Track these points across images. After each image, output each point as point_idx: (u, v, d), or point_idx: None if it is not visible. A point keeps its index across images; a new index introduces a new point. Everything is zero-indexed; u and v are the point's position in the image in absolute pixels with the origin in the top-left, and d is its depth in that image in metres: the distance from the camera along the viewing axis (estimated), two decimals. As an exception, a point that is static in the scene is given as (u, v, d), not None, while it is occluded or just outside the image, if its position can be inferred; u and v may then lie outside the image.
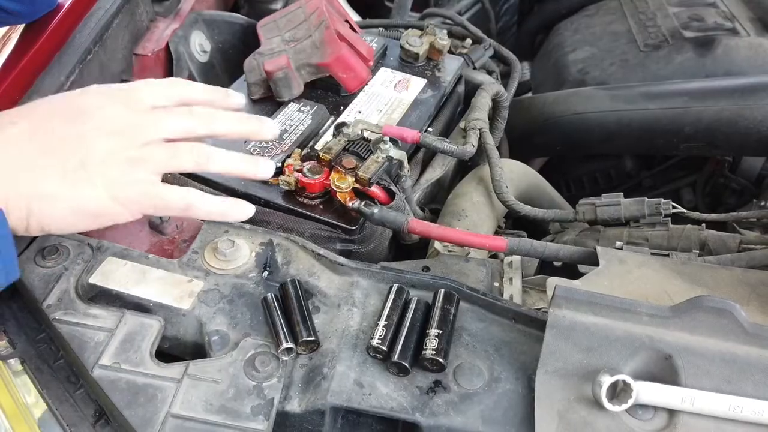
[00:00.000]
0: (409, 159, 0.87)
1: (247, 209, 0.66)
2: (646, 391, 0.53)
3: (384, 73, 1.02)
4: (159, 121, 0.61)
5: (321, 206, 0.79)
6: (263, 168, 0.66)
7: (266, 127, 0.68)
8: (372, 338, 0.61)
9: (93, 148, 0.57)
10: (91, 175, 0.57)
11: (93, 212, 0.58)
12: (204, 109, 0.65)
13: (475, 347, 0.63)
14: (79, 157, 0.57)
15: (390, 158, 0.80)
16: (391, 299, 0.64)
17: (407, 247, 0.93)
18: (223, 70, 1.10)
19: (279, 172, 0.80)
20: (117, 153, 0.58)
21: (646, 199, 0.85)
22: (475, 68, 1.13)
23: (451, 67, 1.05)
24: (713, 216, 0.90)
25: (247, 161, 0.65)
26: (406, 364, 0.59)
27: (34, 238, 0.70)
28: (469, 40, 1.16)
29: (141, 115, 0.61)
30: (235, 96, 0.69)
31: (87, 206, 0.57)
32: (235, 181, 0.81)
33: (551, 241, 0.95)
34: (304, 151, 0.84)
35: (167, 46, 1.00)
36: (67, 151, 0.57)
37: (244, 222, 0.74)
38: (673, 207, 0.84)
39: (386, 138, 0.81)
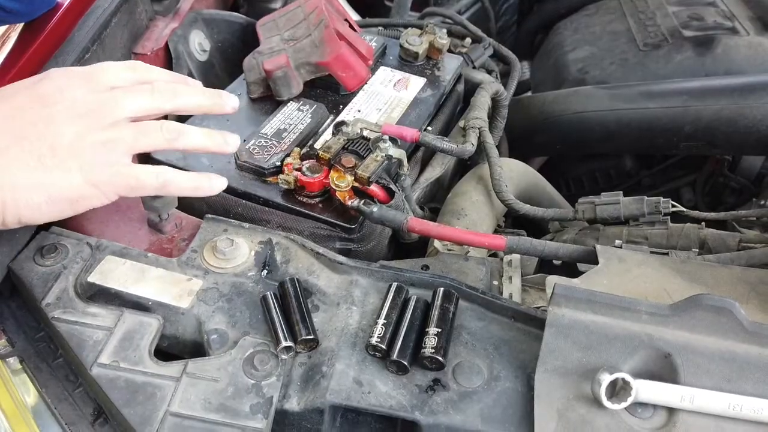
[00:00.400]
0: (409, 158, 0.87)
1: (219, 182, 0.67)
2: (646, 390, 0.53)
3: (383, 72, 1.02)
4: (121, 99, 0.61)
5: (320, 205, 0.79)
6: (230, 141, 0.68)
7: (227, 100, 0.69)
8: (371, 336, 0.61)
9: (61, 132, 0.57)
10: (63, 159, 0.57)
11: (69, 198, 0.58)
12: (165, 84, 0.65)
13: (475, 346, 0.63)
14: (49, 142, 0.57)
15: (389, 157, 0.80)
16: (390, 297, 0.64)
17: (406, 246, 0.93)
18: (223, 69, 1.10)
19: (278, 170, 0.80)
20: (85, 135, 0.58)
21: (646, 197, 0.85)
22: (474, 67, 1.13)
23: (450, 66, 1.05)
24: (713, 215, 0.90)
25: (215, 135, 0.67)
26: (406, 363, 0.59)
27: (33, 236, 0.70)
28: (468, 39, 1.16)
29: (102, 95, 0.61)
30: (194, 82, 0.70)
31: (63, 192, 0.57)
32: (235, 180, 0.80)
33: (551, 239, 0.95)
34: (304, 150, 0.84)
35: (166, 45, 1.00)
36: (36, 137, 0.57)
37: (243, 221, 0.74)
38: (673, 206, 0.84)
39: (385, 137, 0.81)
